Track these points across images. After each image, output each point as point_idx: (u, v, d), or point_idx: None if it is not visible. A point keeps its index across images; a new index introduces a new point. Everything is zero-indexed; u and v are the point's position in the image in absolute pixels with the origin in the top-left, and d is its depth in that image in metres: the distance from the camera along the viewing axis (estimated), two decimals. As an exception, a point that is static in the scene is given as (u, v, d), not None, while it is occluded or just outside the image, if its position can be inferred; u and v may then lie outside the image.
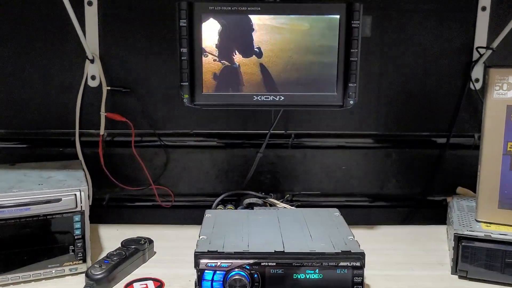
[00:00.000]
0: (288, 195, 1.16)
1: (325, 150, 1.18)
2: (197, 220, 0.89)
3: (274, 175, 1.18)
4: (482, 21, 1.12)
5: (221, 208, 1.01)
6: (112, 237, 0.97)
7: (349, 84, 0.82)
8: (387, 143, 1.18)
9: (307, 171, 1.18)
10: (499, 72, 0.83)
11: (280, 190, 1.18)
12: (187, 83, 0.81)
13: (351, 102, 0.83)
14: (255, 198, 0.99)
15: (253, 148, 1.15)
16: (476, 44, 1.13)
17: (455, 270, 0.83)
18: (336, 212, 0.93)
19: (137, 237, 0.90)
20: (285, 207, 1.01)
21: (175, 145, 1.16)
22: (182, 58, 0.80)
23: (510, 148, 0.84)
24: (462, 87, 1.15)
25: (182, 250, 0.88)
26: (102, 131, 1.12)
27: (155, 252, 0.93)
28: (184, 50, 0.79)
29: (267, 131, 1.12)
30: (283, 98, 0.82)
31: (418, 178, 1.19)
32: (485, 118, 0.85)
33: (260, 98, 0.82)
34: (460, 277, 0.82)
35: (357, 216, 1.18)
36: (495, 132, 0.84)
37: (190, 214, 1.16)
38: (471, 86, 1.14)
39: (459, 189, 1.11)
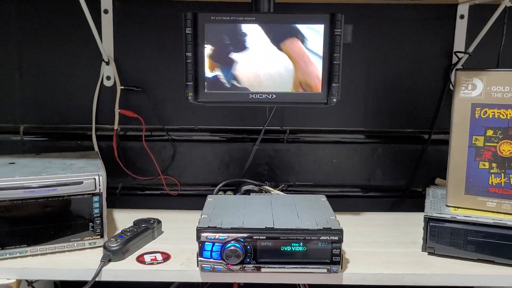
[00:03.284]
0: (283, 185, 1.27)
1: (317, 145, 1.27)
2: (201, 207, 0.97)
3: (271, 167, 1.30)
4: (460, 28, 1.22)
5: (221, 194, 1.13)
6: (125, 219, 1.09)
7: (333, 84, 0.94)
8: (374, 139, 1.27)
9: (301, 163, 1.29)
10: (464, 74, 0.94)
11: (276, 181, 1.28)
12: (192, 83, 0.93)
13: (334, 100, 0.94)
14: (252, 185, 1.11)
15: (252, 142, 1.25)
16: (455, 49, 1.23)
17: (425, 248, 0.94)
18: (322, 198, 1.04)
19: (147, 217, 1.02)
20: (278, 193, 1.13)
21: (182, 140, 1.26)
22: (187, 61, 0.92)
23: (474, 141, 0.94)
24: (442, 88, 1.26)
25: (186, 230, 0.99)
26: (116, 126, 1.24)
27: (162, 231, 1.04)
28: (189, 54, 0.91)
29: (263, 127, 1.23)
30: (275, 96, 0.94)
31: (402, 170, 1.28)
32: (453, 115, 0.96)
33: (255, 96, 0.94)
34: (429, 253, 0.93)
35: (346, 205, 1.28)
36: (462, 127, 0.95)
37: (195, 202, 1.24)
38: (451, 87, 1.24)
39: (438, 180, 1.21)
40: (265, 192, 1.13)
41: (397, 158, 1.28)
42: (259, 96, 0.93)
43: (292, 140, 1.27)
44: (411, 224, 1.09)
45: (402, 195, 1.29)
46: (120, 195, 1.27)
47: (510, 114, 0.90)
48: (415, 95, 1.25)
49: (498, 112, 0.91)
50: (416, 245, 0.97)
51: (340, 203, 1.18)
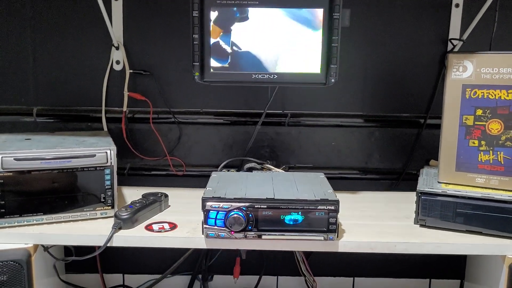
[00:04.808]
0: (284, 167, 1.32)
1: (317, 128, 1.32)
2: (205, 186, 1.01)
3: (273, 149, 1.35)
4: (456, 16, 1.27)
5: (225, 171, 1.19)
6: (133, 194, 1.15)
7: (331, 66, 0.99)
8: (371, 123, 1.32)
9: (301, 146, 1.34)
10: (456, 57, 0.99)
11: (277, 162, 1.34)
12: (198, 63, 0.99)
13: (332, 80, 1.00)
14: (254, 163, 1.17)
15: (254, 125, 1.30)
16: (450, 36, 1.27)
17: (416, 221, 0.99)
18: (321, 175, 1.10)
19: (155, 191, 1.08)
20: (278, 171, 1.18)
21: (187, 122, 1.31)
22: (194, 42, 0.98)
23: (465, 120, 1.00)
24: (438, 74, 1.31)
25: (192, 205, 1.06)
26: (125, 108, 1.29)
27: (169, 205, 1.10)
28: (196, 36, 0.97)
29: (265, 107, 1.29)
30: (276, 76, 1.00)
31: (399, 153, 1.33)
32: (445, 95, 1.01)
33: (258, 76, 1.00)
34: (420, 225, 0.99)
35: (345, 187, 1.33)
36: (453, 107, 1.00)
37: (199, 182, 1.30)
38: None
39: (432, 162, 1.26)
40: (267, 170, 1.18)
41: (393, 141, 1.33)
42: (261, 76, 0.99)
43: (293, 124, 1.32)
44: (405, 202, 1.15)
45: (398, 177, 1.34)
46: (128, 175, 1.33)
47: (498, 94, 0.95)
48: (411, 81, 1.30)
49: (487, 93, 0.96)
50: (409, 219, 1.03)
51: (339, 185, 1.23)
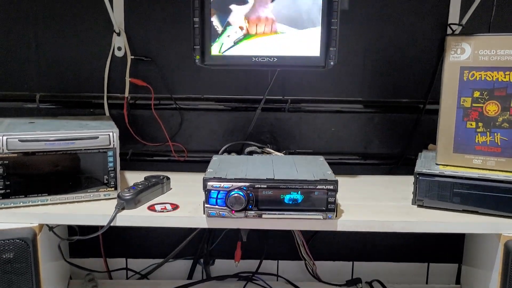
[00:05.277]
0: (284, 152, 1.34)
1: (317, 114, 1.33)
2: None
3: (273, 134, 1.36)
4: (455, 1, 1.27)
5: (225, 155, 1.20)
6: (136, 177, 1.16)
7: (330, 49, 1.01)
8: (371, 108, 1.33)
9: (301, 132, 1.35)
10: (454, 39, 1.00)
11: (277, 147, 1.36)
12: (199, 47, 1.01)
13: (332, 63, 1.01)
14: (255, 147, 1.18)
15: (255, 111, 1.30)
16: (449, 21, 1.28)
17: (414, 201, 1.01)
18: (320, 158, 1.11)
19: (157, 174, 1.10)
20: (278, 155, 1.20)
21: (188, 108, 1.32)
22: (195, 26, 0.99)
23: (462, 102, 1.01)
24: (437, 59, 1.31)
25: (193, 188, 1.07)
26: (126, 93, 1.30)
27: (171, 188, 1.12)
28: (196, 19, 0.98)
29: (266, 93, 1.30)
30: (276, 59, 1.01)
31: (398, 139, 1.34)
32: (443, 78, 1.02)
33: (258, 59, 1.01)
34: (418, 206, 1.01)
35: (344, 172, 1.34)
36: (451, 89, 1.01)
37: (201, 167, 1.31)
38: (445, 59, 1.30)
39: (430, 146, 1.27)
40: (267, 154, 1.20)
41: (393, 127, 1.34)
42: (261, 59, 1.00)
43: (293, 109, 1.33)
44: (403, 185, 1.15)
45: (397, 162, 1.35)
46: (130, 161, 1.35)
47: (495, 76, 0.96)
48: (410, 67, 1.31)
49: (484, 74, 0.97)
50: (406, 200, 1.04)
51: (339, 170, 1.23)
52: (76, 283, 1.30)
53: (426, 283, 1.39)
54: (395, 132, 1.34)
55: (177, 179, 1.16)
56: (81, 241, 1.30)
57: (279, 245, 1.38)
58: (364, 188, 1.13)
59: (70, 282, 1.30)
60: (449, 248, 1.38)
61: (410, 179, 1.03)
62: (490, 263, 0.99)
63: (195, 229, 1.35)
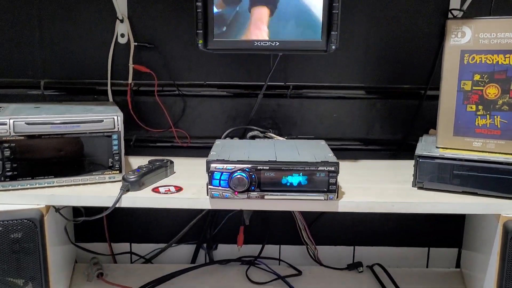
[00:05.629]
0: (286, 137, 1.35)
1: (319, 100, 1.34)
2: None
3: (275, 120, 1.37)
4: (456, -13, 1.28)
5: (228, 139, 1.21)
6: (140, 162, 1.17)
7: (332, 33, 1.02)
8: (373, 94, 1.34)
9: (303, 118, 1.36)
10: (454, 23, 1.01)
11: (279, 133, 1.37)
12: (202, 31, 1.02)
13: (333, 47, 1.02)
14: (257, 132, 1.20)
15: (257, 97, 1.32)
16: (450, 7, 1.29)
17: (414, 183, 1.02)
18: (322, 142, 1.13)
19: (161, 158, 1.11)
20: (280, 139, 1.21)
21: (191, 94, 1.33)
22: (198, 10, 1.00)
23: (463, 85, 1.02)
24: (438, 45, 1.32)
25: (197, 171, 1.10)
26: (130, 80, 1.31)
27: (175, 172, 1.14)
28: (199, 3, 0.99)
29: (268, 78, 1.31)
30: (278, 43, 1.02)
31: (400, 124, 1.35)
32: (444, 61, 1.03)
33: (260, 43, 1.02)
34: (418, 188, 1.02)
35: (346, 157, 1.35)
36: (452, 73, 1.02)
37: (204, 153, 1.33)
38: (446, 44, 1.30)
39: (431, 131, 1.28)
40: (269, 138, 1.21)
41: (394, 113, 1.35)
42: (263, 43, 1.01)
43: (295, 96, 1.34)
44: (404, 169, 1.17)
45: (399, 148, 1.37)
46: (134, 147, 1.36)
47: (495, 59, 0.97)
48: (412, 53, 1.31)
49: (485, 58, 0.98)
50: (407, 182, 1.05)
51: (341, 155, 1.24)
52: (81, 266, 1.32)
53: (427, 267, 1.41)
54: (397, 118, 1.35)
55: (180, 163, 1.18)
56: (86, 226, 1.33)
57: (281, 230, 1.40)
58: (365, 172, 1.15)
59: (76, 266, 1.32)
60: (449, 233, 1.39)
61: (411, 163, 1.04)
62: (489, 245, 1.00)
63: (198, 214, 1.37)
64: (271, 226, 1.40)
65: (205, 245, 1.40)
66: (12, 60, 1.31)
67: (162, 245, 1.41)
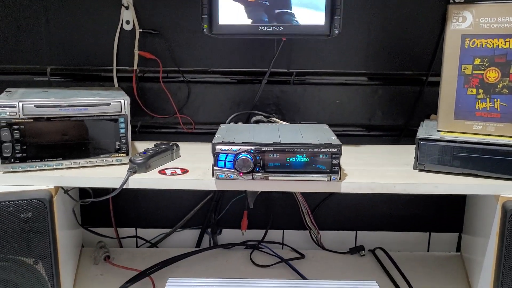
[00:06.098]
0: (289, 123, 1.37)
1: (322, 86, 1.36)
2: None
3: (278, 107, 1.39)
4: (458, -27, 1.29)
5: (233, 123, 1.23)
6: (145, 147, 1.19)
7: (335, 17, 1.03)
8: (375, 81, 1.35)
9: (306, 104, 1.37)
10: (455, 7, 1.02)
11: (282, 119, 1.39)
12: (207, 16, 1.03)
13: (336, 31, 1.04)
14: (261, 116, 1.21)
15: (260, 83, 1.34)
16: (452, -7, 1.30)
17: (415, 166, 1.04)
18: (325, 126, 1.14)
19: (167, 142, 1.13)
20: (284, 123, 1.23)
21: (196, 81, 1.35)
22: (203, -5, 1.01)
23: (463, 70, 1.03)
24: (440, 32, 1.33)
25: (202, 155, 1.12)
26: (135, 66, 1.33)
27: (180, 155, 1.16)
28: (204, -12, 1.01)
29: (272, 64, 1.32)
30: (282, 28, 1.04)
31: (401, 110, 1.37)
32: (445, 46, 1.05)
33: (264, 28, 1.04)
34: (419, 170, 1.04)
35: (349, 143, 1.37)
36: (453, 57, 1.04)
37: (208, 139, 1.35)
38: (448, 31, 1.31)
39: (432, 116, 1.29)
40: (273, 123, 1.23)
41: (396, 99, 1.37)
42: (267, 28, 1.03)
43: (298, 82, 1.36)
44: (406, 153, 1.19)
45: (401, 133, 1.38)
46: (139, 133, 1.38)
47: (496, 43, 0.99)
48: (414, 39, 1.32)
49: (485, 42, 1.00)
50: (408, 165, 1.07)
51: (343, 141, 1.25)
52: (88, 251, 1.35)
53: (428, 251, 1.43)
54: (399, 104, 1.37)
55: (185, 148, 1.20)
56: (92, 210, 1.35)
57: (284, 215, 1.42)
58: (367, 156, 1.17)
59: (82, 250, 1.35)
60: (449, 218, 1.42)
61: (413, 148, 1.06)
62: (488, 227, 1.02)
63: (202, 199, 1.40)
64: (275, 211, 1.42)
65: (209, 230, 1.43)
66: (19, 47, 1.33)
67: (167, 230, 1.43)
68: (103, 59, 1.34)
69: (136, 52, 1.32)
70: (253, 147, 0.94)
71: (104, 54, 1.33)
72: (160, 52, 1.32)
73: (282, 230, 1.45)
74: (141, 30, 1.31)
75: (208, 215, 1.42)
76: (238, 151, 0.94)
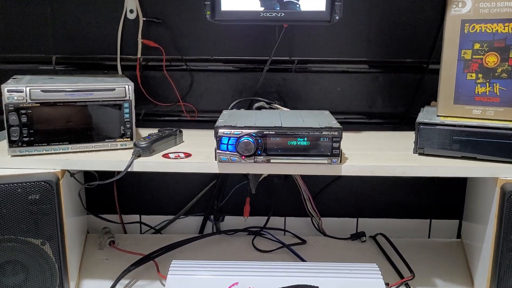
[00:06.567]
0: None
1: (323, 74, 1.37)
2: None
3: (280, 94, 1.41)
4: (459, -39, 1.30)
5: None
6: (150, 132, 1.22)
7: (336, 3, 1.04)
8: (376, 68, 1.36)
9: (308, 91, 1.39)
10: (455, -8, 1.03)
11: (284, 107, 1.40)
12: (209, 2, 1.05)
13: (337, 17, 1.05)
14: (263, 103, 1.23)
15: (262, 72, 1.37)
16: (453, -19, 1.31)
17: (415, 150, 1.06)
18: (326, 111, 1.16)
19: (170, 127, 1.15)
20: (286, 110, 1.25)
21: (198, 69, 1.36)
22: (205, -18, 1.03)
23: (463, 55, 1.05)
24: (440, 19, 1.34)
25: (205, 141, 1.13)
26: (139, 54, 1.35)
27: (183, 141, 1.18)
28: (207, -25, 1.02)
29: (273, 51, 1.34)
30: (283, 14, 1.05)
31: (402, 98, 1.38)
32: (445, 31, 1.06)
33: (266, 14, 1.05)
34: (419, 154, 1.05)
35: (350, 130, 1.41)
36: (452, 42, 1.05)
37: (211, 126, 1.38)
38: (448, 19, 1.32)
39: (432, 103, 1.30)
40: (275, 109, 1.24)
41: (397, 86, 1.38)
42: (269, 14, 1.04)
43: (300, 70, 1.37)
44: (406, 138, 1.20)
45: (401, 121, 1.40)
46: (143, 121, 1.40)
47: (495, 28, 1.00)
48: (415, 27, 1.33)
49: (485, 27, 1.01)
50: (408, 150, 1.09)
51: (344, 129, 1.27)
52: (93, 237, 1.37)
53: (428, 237, 1.45)
54: (399, 91, 1.38)
55: (188, 134, 1.22)
56: (97, 196, 1.38)
57: (286, 202, 1.44)
58: (368, 141, 1.18)
59: (87, 237, 1.37)
60: (450, 205, 1.43)
61: (413, 134, 1.07)
62: (487, 211, 1.03)
63: (205, 186, 1.42)
64: (277, 198, 1.44)
65: (212, 217, 1.45)
66: (24, 36, 1.35)
67: (171, 217, 1.46)
68: (107, 48, 1.35)
69: (140, 40, 1.33)
70: (255, 131, 0.95)
71: (108, 43, 1.35)
72: (163, 40, 1.34)
73: (284, 217, 1.46)
74: (144, 18, 1.33)
75: (211, 202, 1.44)
76: (240, 135, 0.95)
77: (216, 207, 1.43)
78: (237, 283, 0.95)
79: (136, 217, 1.46)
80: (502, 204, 0.95)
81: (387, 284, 0.94)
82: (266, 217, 1.45)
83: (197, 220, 1.46)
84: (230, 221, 1.46)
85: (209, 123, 1.39)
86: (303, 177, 1.35)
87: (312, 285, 0.95)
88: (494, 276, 0.97)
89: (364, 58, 1.36)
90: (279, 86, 1.39)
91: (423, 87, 1.37)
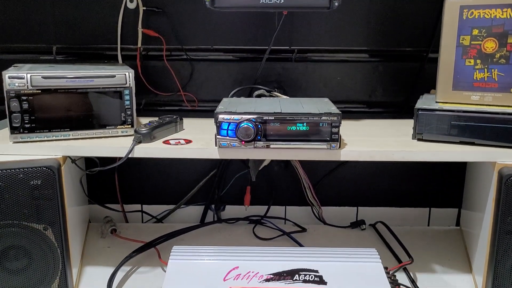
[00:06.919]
0: (291, 99, 1.39)
1: (323, 64, 1.38)
2: None
3: (280, 84, 1.41)
4: (458, -51, 1.30)
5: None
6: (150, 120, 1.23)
7: (335, -11, 1.05)
8: (375, 57, 1.37)
9: (308, 81, 1.39)
10: (454, -22, 1.03)
11: (284, 93, 1.41)
12: (209, -11, 1.05)
13: (336, 4, 1.06)
14: (263, 91, 1.24)
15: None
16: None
17: (414, 136, 1.06)
18: (325, 99, 1.16)
19: (171, 115, 1.16)
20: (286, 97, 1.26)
21: (199, 59, 1.37)
22: (205, -32, 1.03)
23: (462, 40, 1.05)
24: (440, 9, 1.34)
25: (205, 129, 1.14)
26: (139, 44, 1.35)
27: (184, 129, 1.19)
28: (206, -38, 1.03)
29: (273, 39, 1.34)
30: (283, 0, 1.06)
31: (402, 87, 1.38)
32: (443, 17, 1.06)
33: (265, 0, 1.06)
34: (418, 139, 1.06)
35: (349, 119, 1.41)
36: (451, 29, 1.05)
37: (211, 116, 1.39)
38: (447, 7, 1.33)
39: (432, 91, 1.31)
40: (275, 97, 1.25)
41: (397, 75, 1.38)
42: (268, 0, 1.04)
43: (300, 59, 1.38)
44: (405, 126, 1.21)
45: (401, 110, 1.40)
46: (143, 110, 1.41)
47: (493, 13, 1.00)
48: (414, 16, 1.34)
49: (483, 12, 1.01)
50: (407, 136, 1.09)
51: (344, 117, 1.28)
52: (95, 226, 1.38)
53: (428, 226, 1.46)
54: (399, 80, 1.38)
55: (189, 122, 1.23)
56: (99, 186, 1.38)
57: (286, 191, 1.45)
58: (367, 128, 1.19)
59: (89, 226, 1.38)
60: (449, 193, 1.44)
61: (412, 122, 1.08)
62: (486, 198, 1.04)
63: (206, 175, 1.42)
64: (277, 188, 1.45)
65: (213, 206, 1.46)
66: (25, 26, 1.35)
67: (172, 207, 1.46)
68: (107, 38, 1.36)
69: (140, 30, 1.34)
70: (255, 116, 0.96)
71: (108, 32, 1.35)
72: (163, 30, 1.35)
73: (284, 206, 1.47)
74: (144, 8, 1.33)
75: (212, 191, 1.45)
76: (240, 120, 0.96)
77: (217, 196, 1.44)
78: (237, 267, 0.96)
79: (137, 207, 1.47)
80: (500, 188, 0.96)
81: (386, 268, 0.94)
82: (267, 206, 1.46)
83: (198, 210, 1.47)
84: (231, 210, 1.47)
85: (209, 113, 1.38)
86: (304, 166, 1.36)
87: (312, 268, 0.95)
88: (492, 258, 0.98)
89: (364, 47, 1.37)
90: (279, 76, 1.39)
91: (423, 76, 1.37)
